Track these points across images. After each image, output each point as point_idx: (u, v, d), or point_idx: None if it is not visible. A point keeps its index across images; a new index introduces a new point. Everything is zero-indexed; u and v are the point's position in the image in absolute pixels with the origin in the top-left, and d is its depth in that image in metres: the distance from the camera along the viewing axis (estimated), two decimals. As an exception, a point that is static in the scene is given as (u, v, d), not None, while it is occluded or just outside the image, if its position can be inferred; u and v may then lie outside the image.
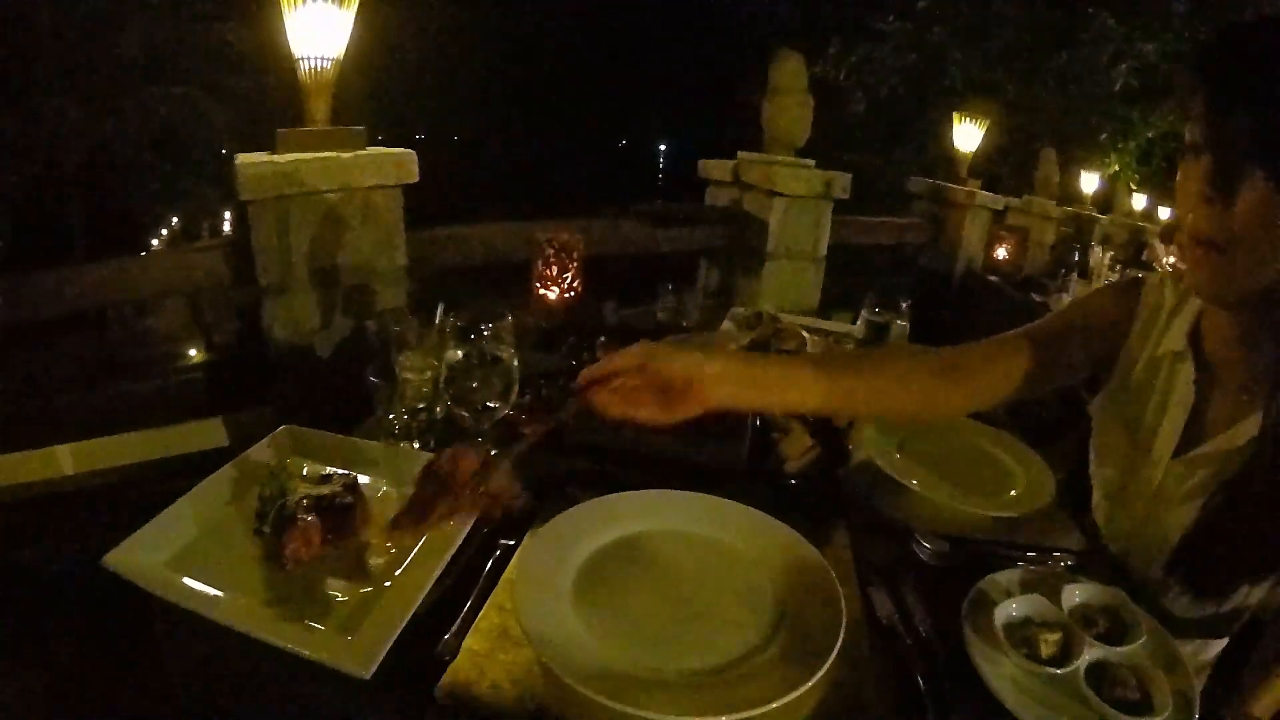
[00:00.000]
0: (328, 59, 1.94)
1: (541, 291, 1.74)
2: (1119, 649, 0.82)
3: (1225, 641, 1.07)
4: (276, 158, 1.87)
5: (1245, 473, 0.84)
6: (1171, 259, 5.68)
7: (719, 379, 0.79)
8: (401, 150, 2.02)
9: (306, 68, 1.94)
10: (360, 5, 1.94)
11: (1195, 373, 0.93)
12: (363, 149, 1.99)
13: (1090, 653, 0.81)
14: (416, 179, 2.04)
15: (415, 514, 0.74)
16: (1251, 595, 0.96)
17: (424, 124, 13.74)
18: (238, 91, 8.89)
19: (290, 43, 1.93)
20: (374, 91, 9.41)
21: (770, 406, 1.04)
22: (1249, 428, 0.86)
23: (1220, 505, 0.87)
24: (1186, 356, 0.94)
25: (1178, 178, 0.81)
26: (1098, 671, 0.80)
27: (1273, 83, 0.71)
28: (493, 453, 0.78)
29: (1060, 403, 1.54)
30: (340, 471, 0.97)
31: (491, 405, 1.06)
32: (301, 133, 1.94)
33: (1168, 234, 6.94)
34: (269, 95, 7.64)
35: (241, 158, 1.87)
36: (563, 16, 15.65)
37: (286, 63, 1.98)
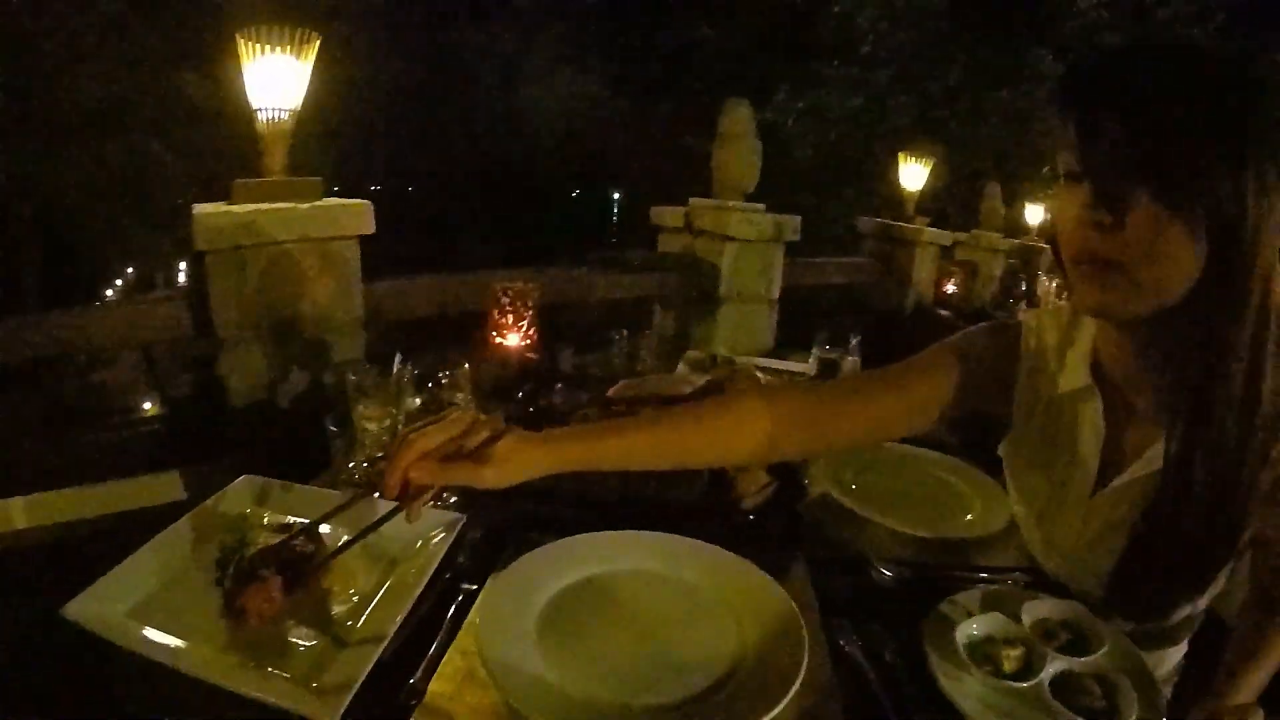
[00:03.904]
0: (285, 110, 1.95)
1: (498, 340, 1.75)
2: (1082, 659, 0.83)
3: (1183, 649, 1.08)
4: (234, 208, 1.86)
5: (1158, 500, 0.83)
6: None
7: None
8: (358, 201, 2.04)
9: (265, 118, 1.95)
10: (317, 58, 1.96)
11: (1103, 405, 0.91)
12: (319, 199, 1.99)
13: (1053, 665, 0.81)
14: (373, 230, 2.06)
15: None
16: (1197, 609, 0.98)
17: (379, 175, 13.79)
18: (193, 142, 8.80)
19: (248, 94, 1.94)
20: (330, 143, 9.40)
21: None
22: (1160, 451, 0.84)
23: (1145, 534, 0.86)
24: (1093, 392, 0.91)
25: (1055, 206, 0.81)
26: (1062, 683, 0.81)
27: (1143, 104, 0.70)
28: None
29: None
30: (301, 520, 0.95)
31: None
32: (259, 183, 1.94)
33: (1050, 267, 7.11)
34: (224, 146, 7.59)
35: (199, 208, 1.87)
36: (517, 82, 16.09)
37: (243, 113, 1.98)
